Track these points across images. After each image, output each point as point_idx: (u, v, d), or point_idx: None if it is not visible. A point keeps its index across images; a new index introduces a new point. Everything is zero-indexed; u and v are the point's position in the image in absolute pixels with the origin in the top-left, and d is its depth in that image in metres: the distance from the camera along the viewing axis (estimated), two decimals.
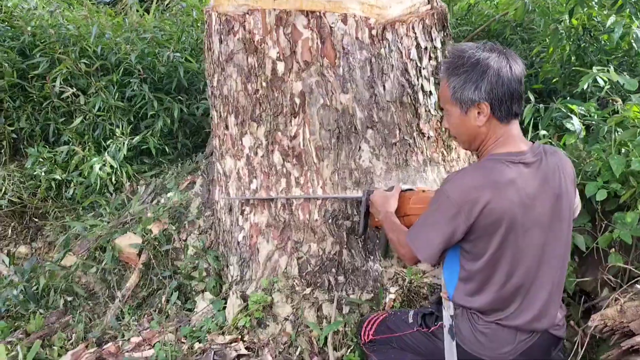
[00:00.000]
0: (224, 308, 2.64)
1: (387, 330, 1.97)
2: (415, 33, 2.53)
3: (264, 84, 2.45)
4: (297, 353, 2.26)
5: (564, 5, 2.93)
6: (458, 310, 1.76)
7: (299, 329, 2.31)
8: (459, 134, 1.77)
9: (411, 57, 2.53)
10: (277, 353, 2.26)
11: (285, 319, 2.36)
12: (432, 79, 2.61)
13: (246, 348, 2.29)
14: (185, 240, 3.27)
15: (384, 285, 2.40)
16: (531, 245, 1.63)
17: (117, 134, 3.77)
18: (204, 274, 2.85)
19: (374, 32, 2.44)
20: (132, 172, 3.78)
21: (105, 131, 3.81)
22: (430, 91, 2.59)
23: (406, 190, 2.15)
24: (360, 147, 2.46)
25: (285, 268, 2.45)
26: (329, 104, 2.41)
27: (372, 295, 2.38)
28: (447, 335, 1.74)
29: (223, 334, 2.39)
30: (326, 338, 2.23)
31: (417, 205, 2.01)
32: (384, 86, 2.46)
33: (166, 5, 5.38)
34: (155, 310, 3.02)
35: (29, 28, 4.07)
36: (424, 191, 2.09)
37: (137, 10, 5.00)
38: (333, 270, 2.42)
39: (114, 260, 3.21)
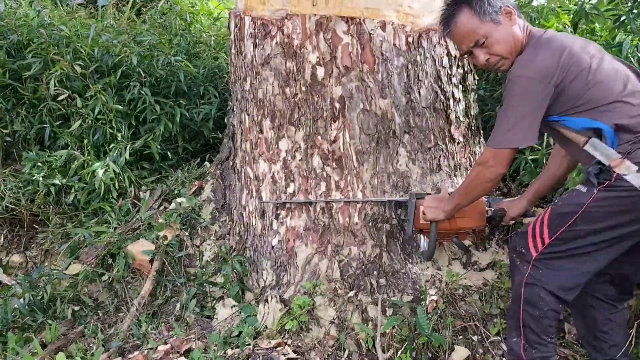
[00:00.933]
0: (255, 314, 2.61)
1: (564, 217, 1.82)
2: (447, 41, 2.62)
3: (303, 88, 2.46)
4: (345, 356, 2.26)
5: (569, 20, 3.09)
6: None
7: (345, 332, 2.32)
8: (507, 46, 1.88)
9: (443, 65, 2.61)
10: (325, 356, 2.26)
11: (331, 322, 2.36)
12: (460, 86, 2.70)
13: (293, 352, 2.27)
14: (199, 247, 3.21)
15: (421, 287, 2.45)
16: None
17: (119, 138, 3.66)
18: (229, 279, 2.81)
19: (410, 39, 2.50)
20: (134, 177, 3.67)
21: (106, 135, 3.70)
22: (459, 98, 2.68)
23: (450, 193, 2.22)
24: (398, 152, 2.51)
25: (326, 271, 2.46)
26: (368, 109, 2.45)
27: (412, 297, 2.42)
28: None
29: (267, 338, 2.37)
30: (374, 340, 2.25)
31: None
32: (419, 92, 2.53)
33: (140, 8, 5.27)
34: (172, 318, 2.95)
35: (16, 27, 3.90)
36: None
37: (124, 12, 4.89)
38: (375, 273, 2.45)
39: (126, 267, 3.11)
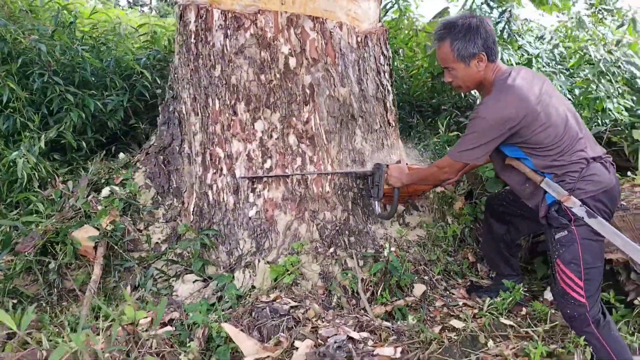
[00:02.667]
0: (231, 281, 2.85)
1: (575, 261, 2.17)
2: (381, 43, 3.20)
3: (277, 75, 2.81)
4: (335, 299, 2.67)
5: None
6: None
7: (330, 282, 2.73)
8: (465, 82, 2.38)
9: (380, 62, 3.18)
10: (320, 301, 2.63)
11: (319, 275, 2.74)
12: (390, 80, 3.30)
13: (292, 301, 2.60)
14: (141, 231, 3.29)
15: (379, 243, 2.97)
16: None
17: (32, 127, 3.50)
18: (197, 254, 2.99)
19: (359, 39, 3.03)
20: (50, 167, 3.54)
21: (16, 124, 3.50)
22: (389, 90, 3.28)
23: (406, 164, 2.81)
24: (355, 132, 3.00)
25: (306, 234, 2.83)
26: (333, 95, 2.90)
27: (374, 250, 2.93)
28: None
29: (265, 294, 2.64)
30: (356, 285, 2.70)
31: None
32: (367, 83, 3.06)
33: None
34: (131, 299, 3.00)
35: None
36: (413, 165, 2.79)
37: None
38: (346, 232, 2.89)
39: (72, 254, 3.06)
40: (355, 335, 2.39)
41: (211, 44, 2.89)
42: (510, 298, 2.61)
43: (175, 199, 3.33)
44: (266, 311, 2.51)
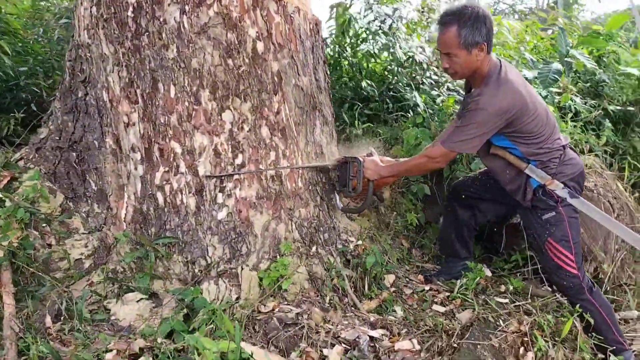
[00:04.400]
0: (200, 294, 2.50)
1: (565, 237, 2.47)
2: (321, 32, 3.11)
3: (246, 60, 2.54)
4: (328, 300, 2.52)
5: None
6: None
7: (319, 281, 2.57)
8: (462, 70, 2.44)
9: (324, 51, 3.09)
10: (316, 304, 2.46)
11: (306, 278, 2.55)
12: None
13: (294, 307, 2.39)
14: (51, 246, 2.67)
15: (341, 236, 2.91)
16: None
17: None
18: (151, 265, 2.54)
19: (311, 25, 2.90)
20: None
21: None
22: (329, 81, 3.21)
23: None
24: (315, 124, 2.87)
25: (285, 234, 2.61)
26: (298, 84, 2.73)
27: (342, 245, 2.86)
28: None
29: (258, 304, 2.37)
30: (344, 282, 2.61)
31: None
32: (320, 73, 2.95)
33: None
34: (62, 330, 2.43)
35: None
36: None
37: None
38: (321, 229, 2.75)
39: None
40: (374, 333, 2.32)
41: (162, 19, 2.45)
42: (477, 278, 2.81)
43: (96, 205, 2.75)
44: (274, 322, 2.28)
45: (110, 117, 2.67)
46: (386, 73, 4.48)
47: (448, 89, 4.06)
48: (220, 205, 2.55)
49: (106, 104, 2.67)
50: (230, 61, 2.51)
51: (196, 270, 2.55)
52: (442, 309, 2.68)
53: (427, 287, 2.92)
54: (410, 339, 2.37)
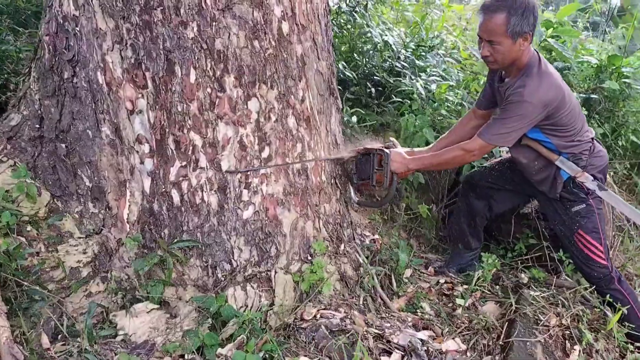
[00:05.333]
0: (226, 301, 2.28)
1: (595, 228, 2.52)
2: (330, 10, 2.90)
3: (272, 42, 2.30)
4: (362, 299, 2.39)
5: None
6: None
7: (353, 282, 2.42)
8: (504, 59, 2.36)
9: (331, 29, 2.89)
10: (353, 305, 2.32)
11: (337, 279, 2.39)
12: None
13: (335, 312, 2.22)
14: (39, 254, 2.30)
15: (357, 231, 2.77)
16: None
17: None
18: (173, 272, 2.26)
19: (324, 4, 2.69)
20: None
21: None
22: None
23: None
24: (332, 112, 2.68)
25: (313, 232, 2.42)
26: (319, 69, 2.53)
27: (360, 241, 2.72)
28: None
29: (298, 310, 2.18)
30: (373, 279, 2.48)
31: None
32: (332, 56, 2.76)
33: None
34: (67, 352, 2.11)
35: None
36: None
37: None
38: (344, 224, 2.59)
39: None
40: (422, 335, 2.23)
41: None
42: (493, 269, 2.81)
43: (91, 204, 2.39)
44: (322, 331, 2.11)
45: (108, 102, 2.31)
46: (355, 55, 4.33)
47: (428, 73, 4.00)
48: (245, 203, 2.30)
49: (102, 88, 2.30)
50: (256, 43, 2.25)
51: (219, 275, 2.31)
52: (464, 302, 2.64)
53: (442, 280, 2.87)
54: (453, 339, 2.31)
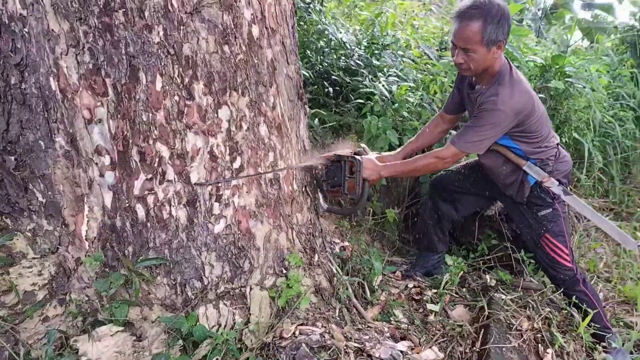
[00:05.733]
0: (196, 321, 2.16)
1: (561, 232, 2.57)
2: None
3: (243, 47, 2.19)
4: (337, 310, 2.33)
5: None
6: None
7: (328, 293, 2.36)
8: (478, 66, 2.37)
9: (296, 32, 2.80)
10: (329, 318, 2.25)
11: (312, 292, 2.32)
12: None
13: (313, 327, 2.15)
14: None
15: (326, 238, 2.71)
16: None
17: None
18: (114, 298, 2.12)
19: (290, 5, 2.60)
20: None
21: None
22: None
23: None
24: (301, 117, 2.60)
25: (286, 243, 2.33)
26: (288, 74, 2.45)
27: (330, 249, 2.66)
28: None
29: (274, 328, 2.09)
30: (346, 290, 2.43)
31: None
32: (298, 58, 2.67)
33: None
34: None
35: None
36: None
37: None
38: (316, 233, 2.51)
39: None
40: (401, 347, 2.21)
41: None
42: (460, 272, 2.83)
43: (45, 221, 2.20)
44: (303, 349, 2.04)
45: (62, 111, 2.12)
46: (309, 53, 4.26)
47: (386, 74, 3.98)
48: (217, 216, 2.19)
49: (55, 95, 2.11)
50: (226, 48, 2.13)
51: (189, 294, 2.18)
52: (435, 308, 2.65)
53: (410, 284, 2.87)
54: (430, 347, 2.30)
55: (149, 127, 2.07)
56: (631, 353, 2.61)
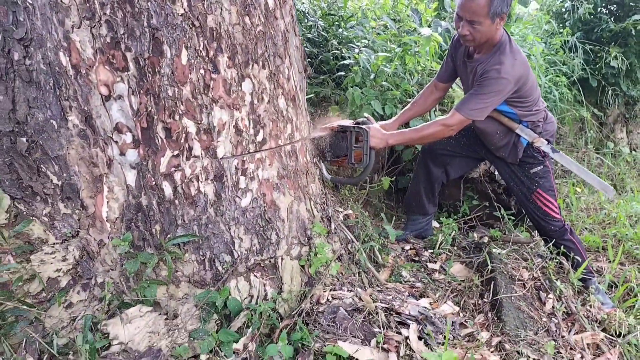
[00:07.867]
0: (229, 295, 2.18)
1: (550, 186, 2.77)
2: None
3: (261, 18, 2.18)
4: (357, 274, 2.41)
5: None
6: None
7: (348, 260, 2.43)
8: (481, 38, 2.48)
9: None
10: (352, 281, 2.33)
11: (338, 259, 2.38)
12: None
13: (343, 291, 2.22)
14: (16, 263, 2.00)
15: (332, 206, 2.78)
16: None
17: None
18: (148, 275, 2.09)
19: None
20: None
21: None
22: None
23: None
24: (304, 88, 2.62)
25: (306, 214, 2.37)
26: (297, 46, 2.46)
27: (341, 215, 2.73)
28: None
29: (296, 297, 2.15)
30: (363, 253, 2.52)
31: None
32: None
33: None
34: None
35: None
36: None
37: None
38: (328, 203, 2.57)
39: None
40: (424, 303, 2.34)
41: None
42: (452, 232, 3.01)
43: (61, 204, 2.10)
44: (342, 312, 2.12)
45: (75, 88, 2.01)
46: None
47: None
48: (243, 190, 2.19)
49: (66, 71, 2.00)
50: (247, 19, 2.10)
51: (220, 268, 2.18)
52: (435, 266, 2.81)
53: (406, 247, 3.00)
54: (445, 302, 2.45)
55: (175, 102, 2.02)
56: (606, 293, 2.93)
